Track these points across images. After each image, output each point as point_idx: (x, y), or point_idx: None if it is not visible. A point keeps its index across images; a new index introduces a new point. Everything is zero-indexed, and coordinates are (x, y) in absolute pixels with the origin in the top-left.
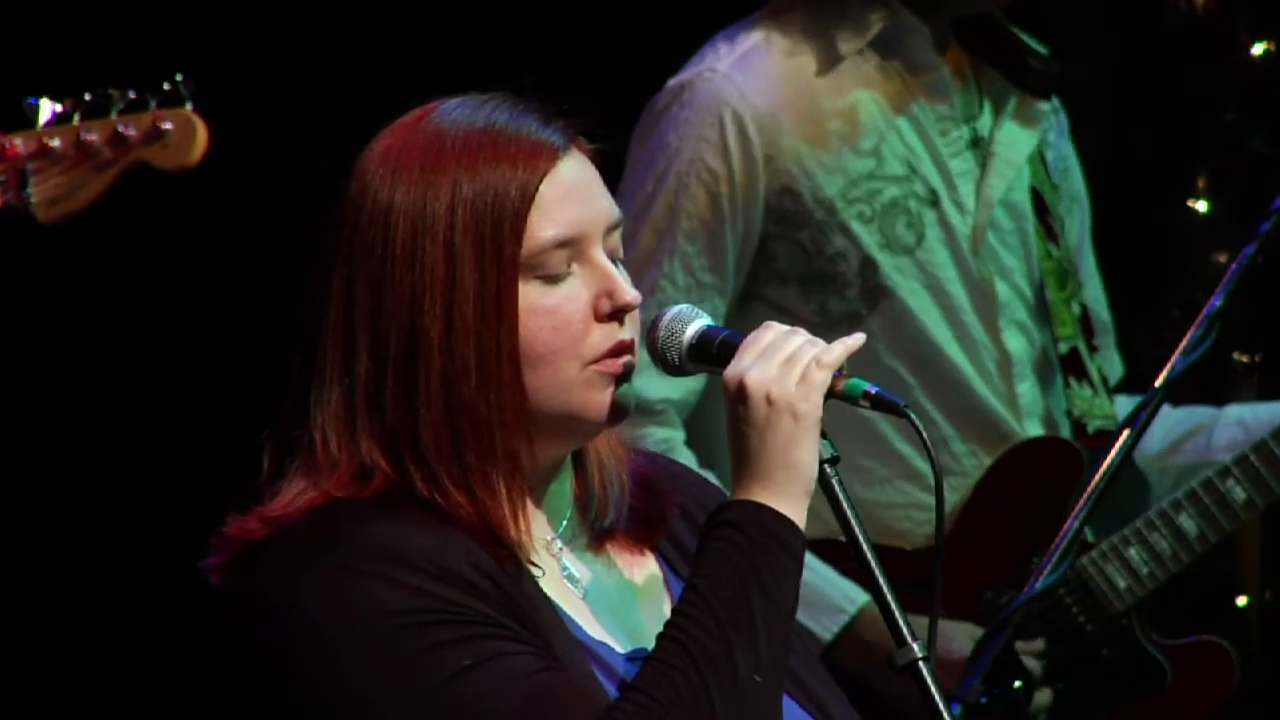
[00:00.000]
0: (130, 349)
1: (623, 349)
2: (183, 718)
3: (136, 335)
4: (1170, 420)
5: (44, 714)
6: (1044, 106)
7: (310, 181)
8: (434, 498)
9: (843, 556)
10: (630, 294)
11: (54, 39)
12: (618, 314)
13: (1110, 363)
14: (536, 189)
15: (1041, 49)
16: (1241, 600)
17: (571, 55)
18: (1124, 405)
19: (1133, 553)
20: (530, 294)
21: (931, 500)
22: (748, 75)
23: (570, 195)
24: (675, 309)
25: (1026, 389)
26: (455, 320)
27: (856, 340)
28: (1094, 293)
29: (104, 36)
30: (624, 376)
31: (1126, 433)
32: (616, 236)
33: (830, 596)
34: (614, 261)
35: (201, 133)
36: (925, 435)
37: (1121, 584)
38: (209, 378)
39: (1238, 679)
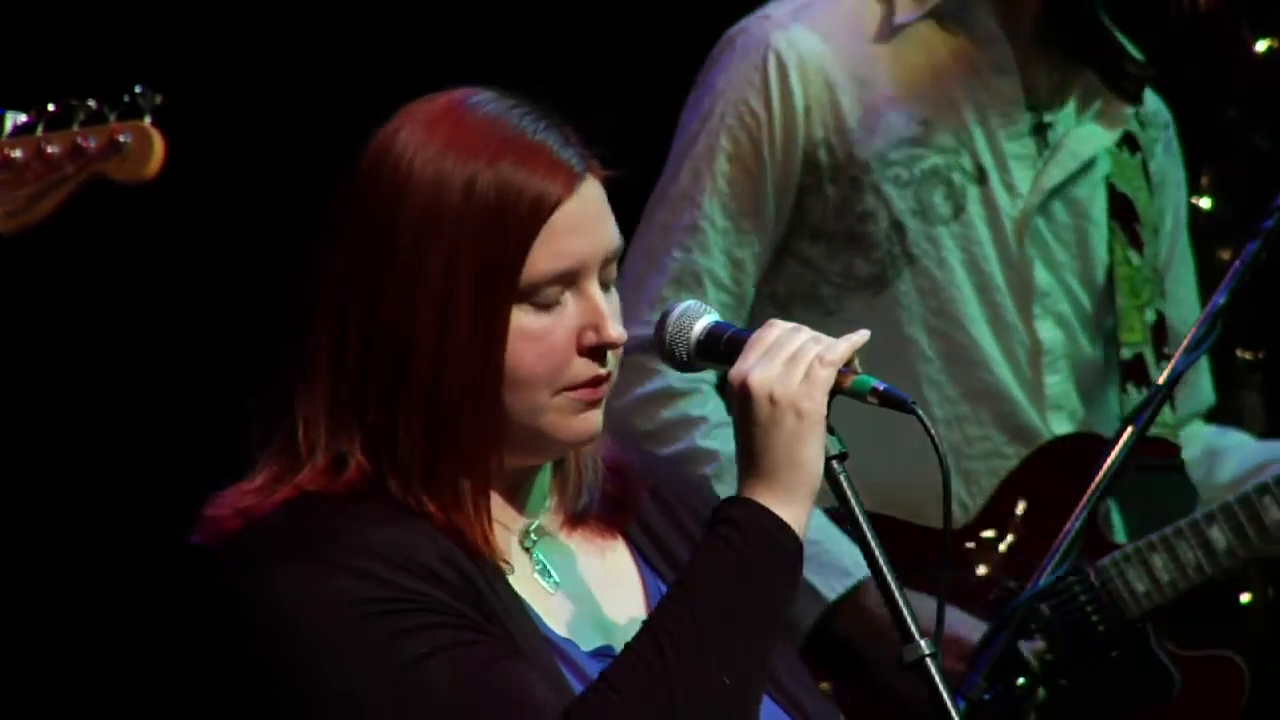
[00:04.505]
0: (102, 348)
1: (599, 382)
2: (162, 706)
3: (105, 334)
4: (1250, 452)
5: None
6: (1129, 111)
7: (279, 183)
8: (405, 500)
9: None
10: (615, 332)
11: (22, 48)
12: (600, 349)
13: (1203, 390)
14: (548, 215)
15: (1137, 54)
16: (1245, 597)
17: (560, 59)
18: (1214, 433)
19: (1157, 559)
20: (521, 318)
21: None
22: (802, 24)
23: (577, 227)
24: (684, 305)
25: (1057, 382)
26: (447, 334)
27: (861, 337)
28: (1179, 310)
29: (72, 46)
30: (597, 402)
31: (1129, 431)
32: (613, 266)
33: (839, 559)
34: (607, 288)
35: (158, 146)
36: (934, 433)
37: (1141, 589)
38: (182, 372)
39: (1247, 695)
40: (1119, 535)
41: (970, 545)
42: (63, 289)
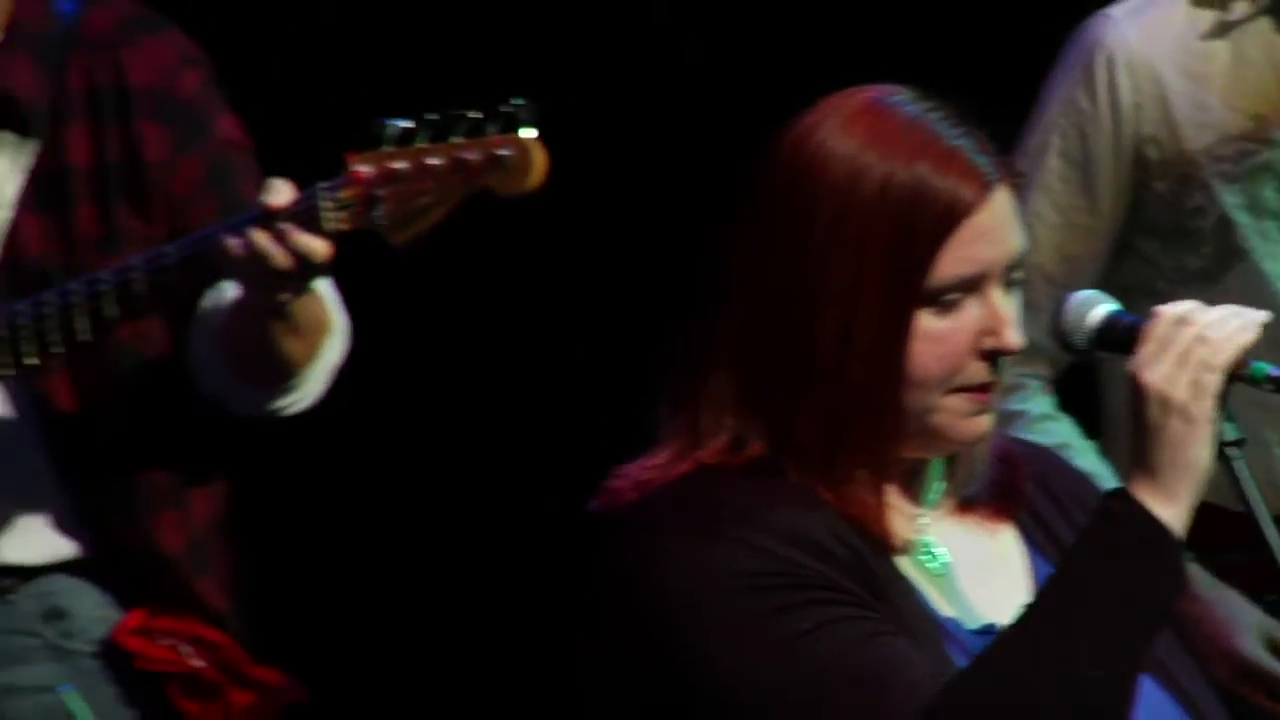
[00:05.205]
0: (520, 343)
1: (990, 388)
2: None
3: (526, 331)
4: None
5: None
6: None
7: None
8: (801, 482)
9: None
10: (1014, 339)
11: (403, 58)
12: (996, 354)
13: None
14: (959, 222)
15: None
16: None
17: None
18: None
19: None
20: (924, 320)
21: None
22: (1137, 22)
23: (986, 235)
24: (1083, 294)
25: None
26: (852, 333)
27: (1249, 334)
28: None
29: (452, 56)
30: (986, 405)
31: None
32: (1018, 271)
33: None
34: (1009, 290)
35: (539, 159)
36: None
37: None
38: (589, 361)
39: None
40: None
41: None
42: (472, 291)
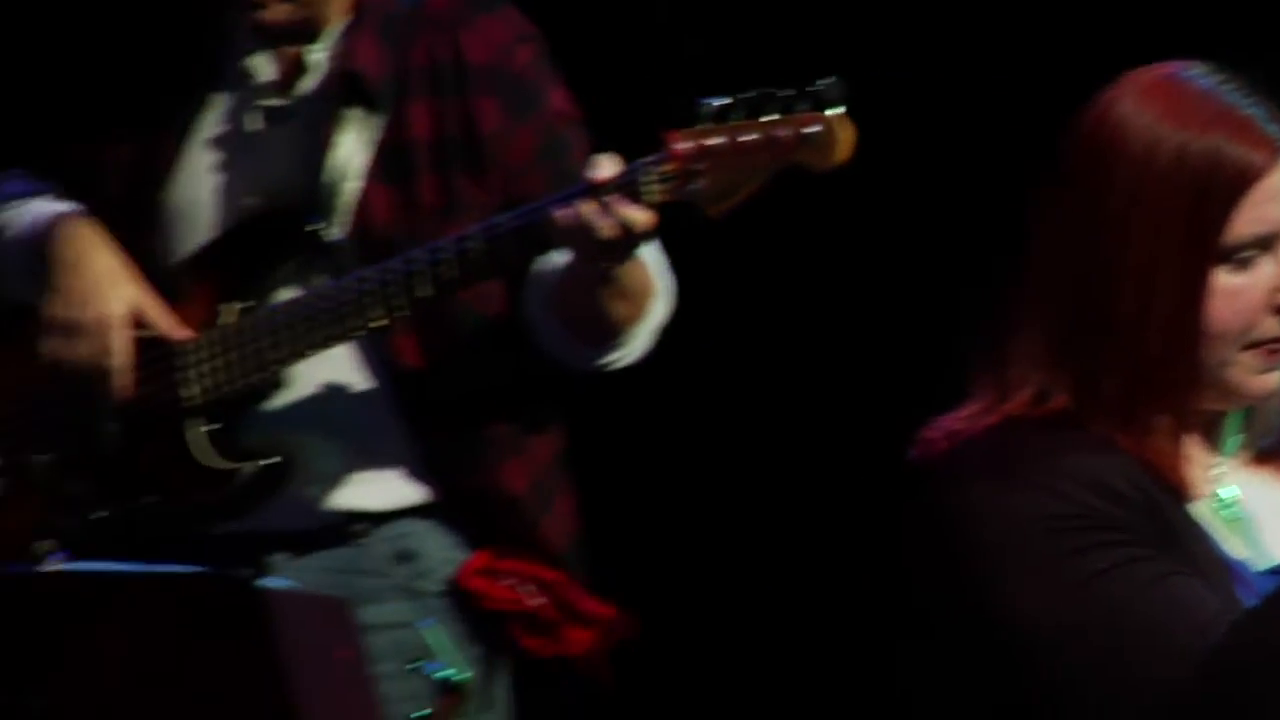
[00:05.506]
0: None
1: None
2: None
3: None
4: None
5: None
6: None
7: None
8: (1102, 432)
9: None
10: None
11: (723, 38)
12: None
13: None
14: (1251, 184)
15: None
16: None
17: None
18: None
19: None
20: (1219, 277)
21: None
22: None
23: (1278, 197)
24: None
25: None
26: (1152, 294)
27: None
28: None
29: (769, 36)
30: (1276, 362)
31: None
32: None
33: None
34: None
35: (846, 136)
36: None
37: None
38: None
39: None
40: None
41: None
42: (793, 256)
